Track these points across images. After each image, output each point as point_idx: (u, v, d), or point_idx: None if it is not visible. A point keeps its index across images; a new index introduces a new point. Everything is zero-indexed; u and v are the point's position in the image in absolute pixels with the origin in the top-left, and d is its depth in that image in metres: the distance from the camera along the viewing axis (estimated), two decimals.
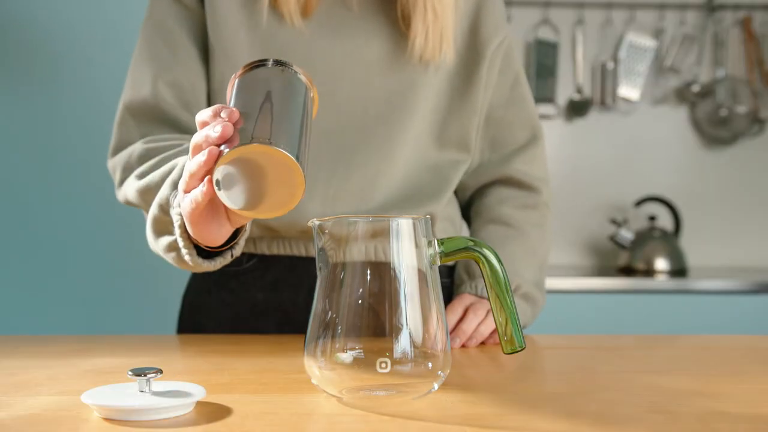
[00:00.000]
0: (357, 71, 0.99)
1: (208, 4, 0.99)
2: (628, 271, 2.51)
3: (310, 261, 1.02)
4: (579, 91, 2.72)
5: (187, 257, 0.82)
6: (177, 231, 0.80)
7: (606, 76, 2.71)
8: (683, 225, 2.68)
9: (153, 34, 1.00)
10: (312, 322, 0.66)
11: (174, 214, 0.81)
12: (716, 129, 2.71)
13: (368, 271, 0.63)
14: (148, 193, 0.89)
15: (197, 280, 1.11)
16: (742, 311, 2.26)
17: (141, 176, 0.92)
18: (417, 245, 0.65)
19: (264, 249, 1.03)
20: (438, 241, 0.66)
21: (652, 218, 2.58)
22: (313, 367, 0.65)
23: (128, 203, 0.96)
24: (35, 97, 2.35)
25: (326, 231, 0.65)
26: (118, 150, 0.99)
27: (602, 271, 2.55)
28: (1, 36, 2.34)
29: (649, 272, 2.47)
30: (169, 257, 0.87)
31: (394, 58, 1.00)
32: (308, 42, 0.98)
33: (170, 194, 0.83)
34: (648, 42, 2.71)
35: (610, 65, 2.70)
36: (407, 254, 0.64)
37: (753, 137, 2.73)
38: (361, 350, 0.63)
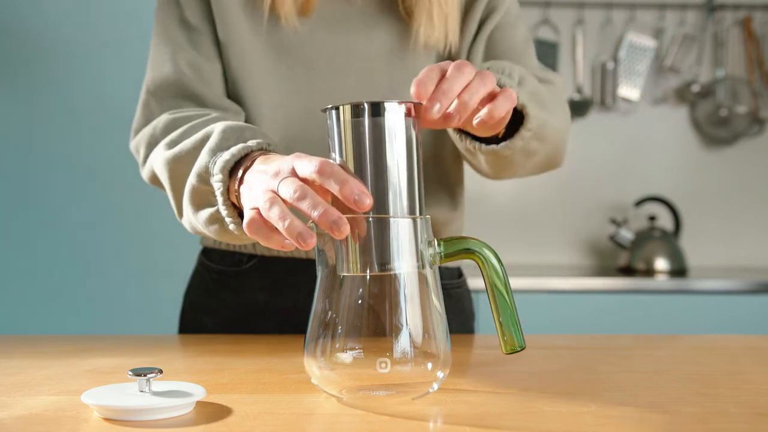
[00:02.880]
0: (360, 65, 0.99)
1: (214, 2, 0.99)
2: (628, 271, 2.51)
3: (309, 263, 1.02)
4: (579, 91, 2.72)
5: (232, 226, 0.76)
6: (219, 199, 0.75)
7: (606, 76, 2.71)
8: (683, 225, 2.68)
9: (166, 22, 0.99)
10: (312, 322, 0.66)
11: (215, 182, 0.75)
12: (716, 129, 2.71)
13: (368, 271, 0.63)
14: (178, 163, 0.84)
15: (198, 280, 1.11)
16: (742, 311, 2.26)
17: (170, 145, 0.87)
18: (417, 245, 0.65)
19: (264, 250, 1.03)
20: (438, 241, 0.66)
21: (652, 218, 2.58)
22: (313, 367, 0.65)
23: (153, 180, 0.92)
24: (37, 97, 2.35)
25: (325, 231, 0.65)
26: (140, 129, 0.96)
27: (602, 271, 2.55)
28: (3, 36, 2.34)
29: (649, 272, 2.47)
30: (211, 230, 0.81)
31: (397, 49, 1.00)
32: (309, 38, 0.98)
33: (209, 162, 0.77)
34: (648, 42, 2.71)
35: (610, 65, 2.70)
36: (407, 254, 0.64)
37: (753, 137, 2.73)
38: (361, 350, 0.63)
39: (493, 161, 0.91)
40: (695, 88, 2.71)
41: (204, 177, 0.78)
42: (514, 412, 0.63)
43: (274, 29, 0.98)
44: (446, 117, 0.67)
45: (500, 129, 0.82)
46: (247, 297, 1.05)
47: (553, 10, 2.71)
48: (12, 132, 2.35)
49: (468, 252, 0.66)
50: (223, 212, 0.76)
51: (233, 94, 0.99)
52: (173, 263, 1.97)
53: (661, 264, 2.48)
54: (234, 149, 0.75)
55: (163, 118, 0.92)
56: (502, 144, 0.87)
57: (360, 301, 0.63)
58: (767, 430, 0.58)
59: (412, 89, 0.66)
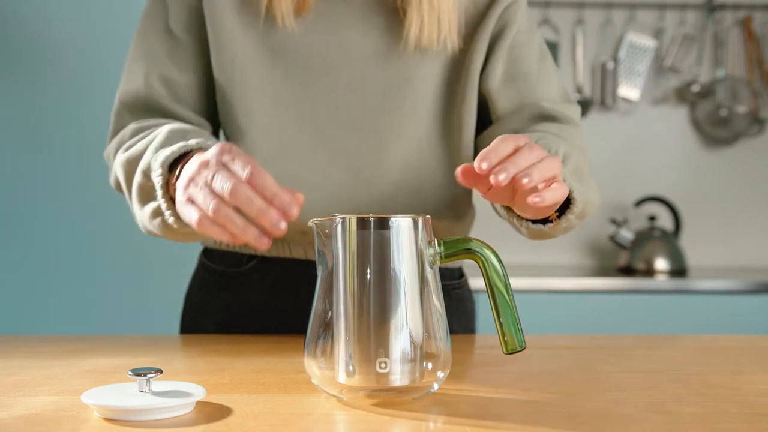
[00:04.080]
0: (354, 65, 0.99)
1: (206, 2, 0.98)
2: (628, 271, 2.51)
3: (309, 264, 1.02)
4: (579, 91, 2.72)
5: (170, 219, 0.80)
6: (159, 192, 0.80)
7: (606, 76, 2.71)
8: (683, 225, 2.68)
9: (148, 29, 1.01)
10: (312, 322, 0.66)
11: (155, 177, 0.80)
12: (716, 129, 2.71)
13: (368, 271, 0.63)
14: (130, 164, 0.89)
15: (198, 280, 1.11)
16: (742, 311, 2.26)
17: (127, 149, 0.92)
18: (417, 245, 0.65)
19: (264, 251, 1.03)
20: (438, 241, 0.66)
21: (652, 218, 2.58)
22: (313, 367, 0.65)
23: (116, 185, 0.96)
24: (31, 95, 2.35)
25: (326, 231, 0.65)
26: (113, 137, 1.00)
27: (602, 271, 2.55)
28: (6, 33, 2.34)
29: (649, 272, 2.47)
30: (155, 225, 0.85)
31: (392, 50, 0.99)
32: (305, 38, 0.98)
33: (152, 158, 0.82)
34: (648, 42, 2.71)
35: (610, 65, 2.70)
36: (407, 254, 0.64)
37: (753, 137, 2.73)
38: (361, 350, 0.63)
39: (535, 235, 0.93)
40: (695, 88, 2.71)
41: (147, 173, 0.83)
42: (514, 412, 0.63)
43: (269, 31, 0.98)
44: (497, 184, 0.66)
45: (549, 213, 0.85)
46: (247, 297, 1.05)
47: (553, 10, 2.71)
48: (12, 131, 2.35)
49: (468, 252, 0.66)
50: (163, 206, 0.81)
51: (223, 101, 0.99)
52: (173, 263, 1.97)
53: (661, 264, 2.48)
54: (175, 147, 0.81)
55: (130, 128, 0.96)
56: (548, 225, 0.89)
57: (360, 301, 0.63)
58: (767, 430, 0.58)
59: (477, 161, 0.66)
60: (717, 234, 2.73)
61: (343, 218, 0.64)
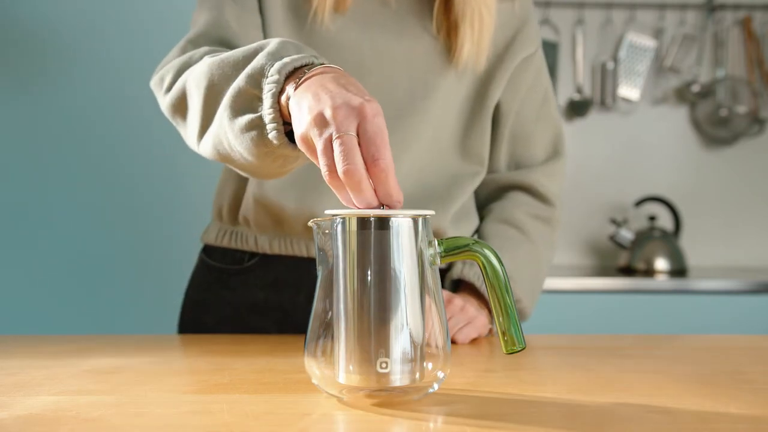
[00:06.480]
0: (384, 67, 1.00)
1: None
2: (628, 271, 2.51)
3: (310, 261, 1.02)
4: (579, 91, 2.72)
5: (273, 134, 0.72)
6: (268, 102, 0.71)
7: (606, 76, 2.71)
8: (683, 225, 2.68)
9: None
10: (312, 322, 0.66)
11: (268, 83, 0.72)
12: (716, 129, 2.71)
13: (368, 271, 0.63)
14: (224, 67, 0.79)
15: (198, 278, 1.12)
16: (742, 311, 2.26)
17: (216, 55, 0.83)
18: (417, 245, 0.65)
19: (266, 248, 1.04)
20: (438, 240, 0.66)
21: (652, 218, 2.58)
22: (313, 367, 0.65)
23: (176, 104, 0.87)
24: (37, 95, 2.35)
25: (326, 231, 0.65)
26: (170, 62, 0.93)
27: (602, 271, 2.55)
28: (6, 33, 2.34)
29: (649, 272, 2.47)
30: (246, 138, 0.76)
31: (423, 57, 1.01)
32: (340, 35, 0.99)
33: (266, 63, 0.73)
34: (648, 42, 2.71)
35: (610, 65, 2.70)
36: (407, 254, 0.64)
37: (753, 137, 2.73)
38: (362, 350, 0.63)
39: None
40: (695, 88, 2.71)
41: (256, 78, 0.74)
42: (514, 412, 0.63)
43: (308, 25, 1.00)
44: None
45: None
46: (247, 295, 1.06)
47: (553, 10, 2.71)
48: (13, 130, 2.35)
49: (468, 252, 0.66)
50: (268, 117, 0.72)
51: None
52: (173, 262, 1.97)
53: (661, 264, 2.48)
54: (296, 56, 0.72)
55: (201, 50, 0.90)
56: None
57: (360, 301, 0.63)
58: (767, 430, 0.58)
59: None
60: (717, 234, 2.73)
61: (343, 218, 0.64)
